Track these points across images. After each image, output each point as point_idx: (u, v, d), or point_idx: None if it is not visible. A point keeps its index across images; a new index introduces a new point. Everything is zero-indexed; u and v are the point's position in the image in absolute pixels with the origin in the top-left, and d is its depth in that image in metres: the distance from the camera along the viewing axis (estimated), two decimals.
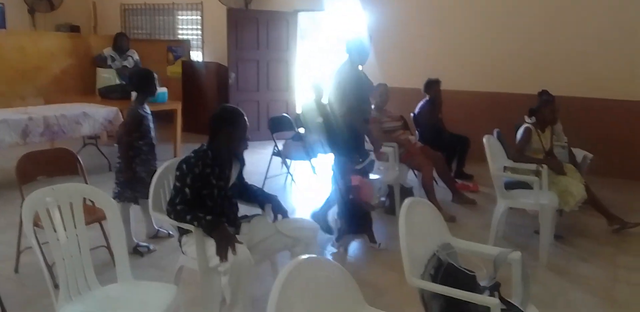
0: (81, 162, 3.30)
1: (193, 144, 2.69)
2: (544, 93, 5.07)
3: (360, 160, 3.74)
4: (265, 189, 2.93)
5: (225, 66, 7.67)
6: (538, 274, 3.38)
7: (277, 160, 5.30)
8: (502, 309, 1.82)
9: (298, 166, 5.60)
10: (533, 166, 3.80)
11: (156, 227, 3.83)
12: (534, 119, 4.11)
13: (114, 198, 3.42)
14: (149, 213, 3.71)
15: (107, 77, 6.77)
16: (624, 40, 5.75)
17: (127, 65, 6.86)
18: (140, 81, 3.59)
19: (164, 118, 6.38)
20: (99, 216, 2.90)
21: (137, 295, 2.19)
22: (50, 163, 3.26)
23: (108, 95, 6.34)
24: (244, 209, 2.80)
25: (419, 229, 2.07)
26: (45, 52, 7.49)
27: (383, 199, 4.64)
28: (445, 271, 2.02)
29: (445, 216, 4.73)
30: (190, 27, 8.74)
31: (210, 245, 2.33)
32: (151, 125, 3.60)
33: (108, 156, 5.87)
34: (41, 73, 7.45)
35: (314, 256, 1.59)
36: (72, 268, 2.10)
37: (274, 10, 7.60)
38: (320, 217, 3.98)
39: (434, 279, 1.99)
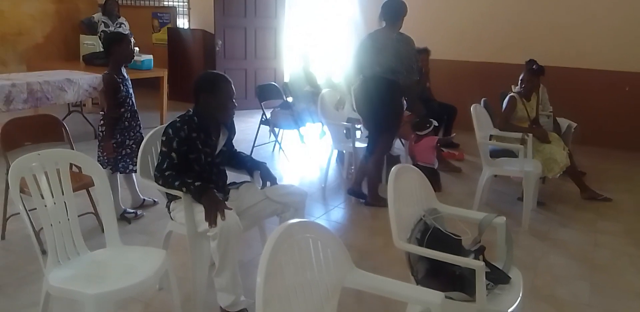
0: (67, 128, 3.26)
1: (179, 111, 2.65)
2: (530, 62, 5.08)
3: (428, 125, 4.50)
4: (254, 157, 2.93)
5: (211, 33, 7.53)
6: (520, 239, 3.47)
7: (265, 128, 5.27)
8: (486, 272, 1.87)
9: (286, 134, 5.59)
10: (519, 135, 3.86)
11: (142, 197, 3.78)
12: (519, 88, 4.15)
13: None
14: (134, 185, 3.72)
15: (90, 44, 6.61)
16: (608, 13, 5.83)
17: (122, 32, 6.68)
18: (113, 46, 3.34)
19: (150, 86, 6.30)
20: (85, 182, 2.88)
21: (127, 259, 2.21)
22: (35, 129, 3.21)
23: (92, 61, 6.22)
24: (232, 177, 2.80)
25: (407, 195, 2.10)
26: (26, 16, 7.28)
27: None
28: (432, 235, 2.06)
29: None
30: None
31: (199, 210, 2.33)
32: (131, 91, 3.48)
33: (93, 123, 5.81)
34: (22, 38, 7.26)
35: (303, 219, 1.61)
36: (60, 234, 2.09)
37: None
38: (356, 190, 4.12)
39: (420, 243, 2.03)
